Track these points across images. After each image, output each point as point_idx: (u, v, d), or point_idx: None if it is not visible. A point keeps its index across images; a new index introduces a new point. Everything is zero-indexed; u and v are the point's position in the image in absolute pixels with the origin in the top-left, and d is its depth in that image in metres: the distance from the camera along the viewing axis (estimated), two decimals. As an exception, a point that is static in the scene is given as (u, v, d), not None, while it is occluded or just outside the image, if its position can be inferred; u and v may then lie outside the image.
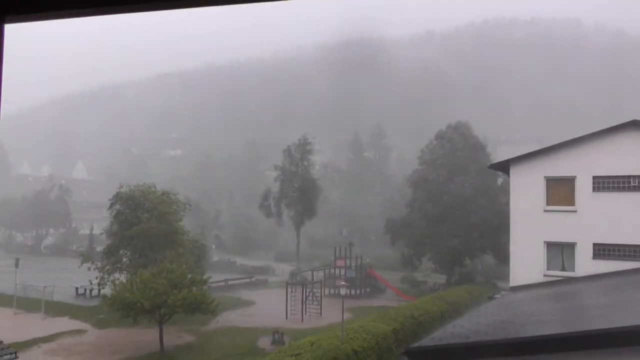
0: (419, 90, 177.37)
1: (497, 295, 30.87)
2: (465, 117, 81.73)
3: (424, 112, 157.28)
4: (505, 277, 30.88)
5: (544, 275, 28.55)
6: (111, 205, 51.21)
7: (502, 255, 54.82)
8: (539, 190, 29.20)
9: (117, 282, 38.03)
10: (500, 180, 61.99)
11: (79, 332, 41.69)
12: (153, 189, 52.03)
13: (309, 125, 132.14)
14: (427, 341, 17.03)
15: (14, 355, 22.82)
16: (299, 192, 77.50)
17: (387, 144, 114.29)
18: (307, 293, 49.07)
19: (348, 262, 60.61)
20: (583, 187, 28.27)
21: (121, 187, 51.79)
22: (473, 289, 52.31)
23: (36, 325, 42.99)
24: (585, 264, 27.71)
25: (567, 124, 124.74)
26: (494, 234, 57.90)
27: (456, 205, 59.39)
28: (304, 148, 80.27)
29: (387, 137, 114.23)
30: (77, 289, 55.72)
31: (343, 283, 34.38)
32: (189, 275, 37.16)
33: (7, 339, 27.00)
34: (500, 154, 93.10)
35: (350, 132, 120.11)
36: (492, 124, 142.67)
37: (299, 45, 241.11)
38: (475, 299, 47.82)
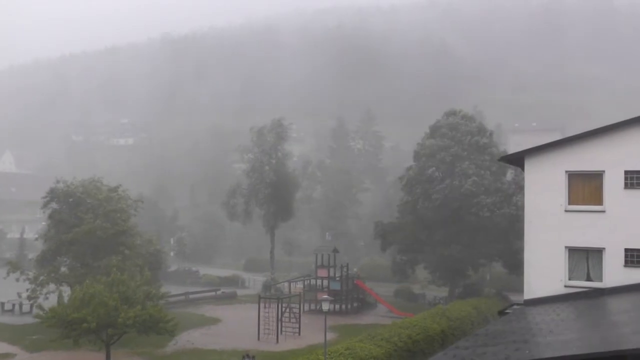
0: (419, 68, 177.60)
1: (508, 310, 30.98)
2: (471, 100, 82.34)
3: (424, 94, 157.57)
4: (518, 288, 31.02)
5: (565, 286, 28.70)
6: (45, 203, 50.66)
7: (514, 264, 55.11)
8: (560, 187, 29.32)
9: (59, 294, 37.64)
10: (511, 175, 62.23)
11: (6, 356, 41.17)
12: (98, 183, 51.65)
13: (284, 109, 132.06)
14: (427, 364, 17.09)
15: None
16: (271, 188, 77.04)
17: (379, 132, 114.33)
18: (284, 309, 49.01)
19: (332, 271, 60.62)
20: (613, 184, 28.41)
21: (58, 181, 51.30)
22: (480, 303, 52.55)
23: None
24: (615, 273, 27.86)
25: (595, 109, 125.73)
26: (504, 239, 58.19)
27: (458, 206, 59.52)
28: (276, 133, 79.51)
29: (378, 124, 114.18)
30: (3, 304, 55.21)
31: (326, 297, 34.36)
32: (144, 288, 36.95)
33: None
34: (513, 145, 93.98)
35: (333, 116, 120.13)
36: (503, 109, 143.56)
37: (272, 12, 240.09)
38: (483, 314, 48.15)
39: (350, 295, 60.70)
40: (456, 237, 60.52)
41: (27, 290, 46.52)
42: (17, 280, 47.62)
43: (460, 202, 59.29)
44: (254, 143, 79.70)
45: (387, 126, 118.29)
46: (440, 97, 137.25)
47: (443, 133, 62.42)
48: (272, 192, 76.79)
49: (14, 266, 48.90)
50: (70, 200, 49.63)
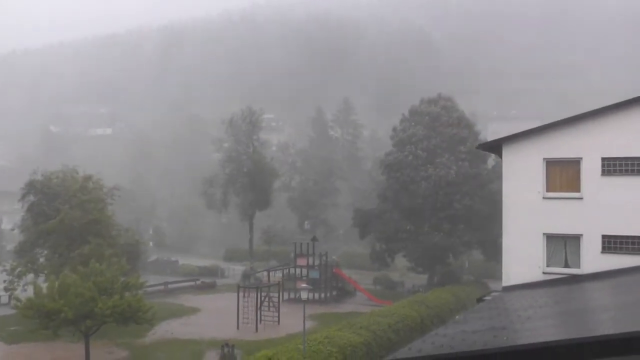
0: (397, 56, 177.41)
1: (486, 297, 31.00)
2: (450, 88, 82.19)
3: (403, 82, 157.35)
4: (497, 275, 31.13)
5: (544, 273, 28.74)
6: (23, 195, 50.33)
7: (493, 251, 55.34)
8: (537, 174, 29.30)
9: (35, 285, 37.25)
10: (491, 163, 62.42)
11: (-17, 347, 41.01)
12: (74, 174, 51.26)
13: (264, 99, 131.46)
14: (403, 353, 16.99)
15: None
16: (248, 177, 76.73)
17: (357, 121, 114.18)
18: (263, 298, 48.91)
19: (311, 260, 60.49)
20: (590, 170, 28.42)
21: (35, 173, 50.88)
22: (459, 290, 52.84)
23: None
24: (592, 259, 27.91)
25: (573, 97, 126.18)
26: (483, 226, 58.42)
27: (437, 193, 59.57)
28: (251, 121, 79.08)
29: (357, 113, 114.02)
30: (-21, 296, 54.71)
31: (304, 285, 34.30)
32: (122, 279, 36.66)
33: None
34: (491, 132, 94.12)
35: (313, 106, 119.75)
36: (482, 97, 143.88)
37: (249, 2, 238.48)
38: (462, 301, 48.38)
39: (329, 284, 60.64)
40: (436, 225, 60.68)
41: (5, 281, 46.13)
42: (-6, 272, 47.30)
43: (441, 191, 59.36)
44: (228, 133, 79.40)
45: (364, 115, 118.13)
46: (419, 85, 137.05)
47: (423, 121, 62.37)
48: (249, 181, 76.55)
49: (-11, 257, 48.68)
50: (48, 191, 49.17)
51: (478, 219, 59.16)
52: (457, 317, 27.93)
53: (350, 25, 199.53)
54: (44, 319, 33.92)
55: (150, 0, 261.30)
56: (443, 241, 60.14)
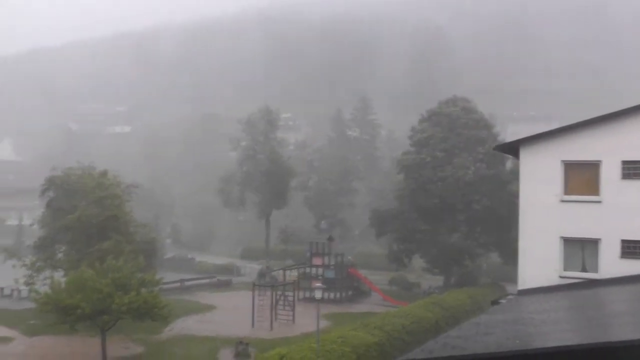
0: (415, 55, 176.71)
1: (502, 300, 30.88)
2: (469, 88, 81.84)
3: (421, 82, 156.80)
4: (514, 278, 30.93)
5: (560, 277, 28.56)
6: (43, 191, 50.74)
7: (511, 253, 54.93)
8: (556, 177, 29.12)
9: (52, 280, 37.57)
10: (509, 166, 62.08)
11: (5, 340, 41.52)
12: (92, 170, 51.64)
13: (281, 97, 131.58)
14: (415, 354, 16.98)
15: None
16: (265, 175, 76.78)
17: (375, 121, 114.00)
18: (278, 296, 49.04)
19: (327, 260, 60.47)
20: (609, 174, 28.19)
21: (54, 169, 51.29)
22: (475, 292, 52.60)
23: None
24: (610, 264, 27.68)
25: (594, 98, 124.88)
26: (501, 228, 58.10)
27: (455, 194, 59.36)
28: (268, 120, 79.10)
29: (375, 112, 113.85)
30: (2, 289, 55.30)
31: (319, 285, 34.28)
32: (138, 275, 36.86)
33: None
34: (511, 133, 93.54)
35: (331, 105, 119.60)
36: (501, 97, 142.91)
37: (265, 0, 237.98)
38: (478, 304, 48.15)
39: (345, 284, 60.59)
40: (454, 226, 60.48)
41: (24, 276, 46.56)
42: (14, 266, 47.73)
43: (459, 191, 59.15)
44: (246, 132, 79.54)
45: (382, 115, 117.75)
46: (437, 84, 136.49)
47: (441, 122, 62.16)
48: (266, 180, 76.65)
49: (10, 253, 49.20)
50: (66, 187, 49.53)
51: (496, 221, 58.88)
52: (471, 319, 27.85)
53: (369, 24, 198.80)
54: (61, 314, 34.24)
55: (165, 1, 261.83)
56: (460, 242, 59.91)
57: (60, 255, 49.11)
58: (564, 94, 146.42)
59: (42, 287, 38.42)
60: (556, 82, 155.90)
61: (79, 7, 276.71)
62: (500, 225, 58.14)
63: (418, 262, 68.08)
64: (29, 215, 75.98)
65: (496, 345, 16.32)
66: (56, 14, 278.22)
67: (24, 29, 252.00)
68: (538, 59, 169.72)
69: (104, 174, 51.57)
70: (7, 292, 55.01)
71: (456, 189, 59.08)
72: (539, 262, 29.07)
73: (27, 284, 45.47)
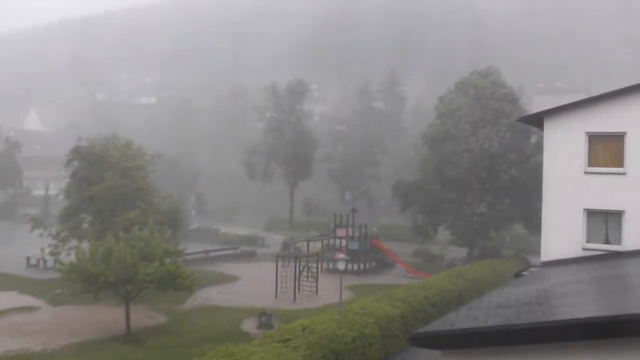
0: (441, 25, 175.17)
1: (524, 272, 30.75)
2: (496, 60, 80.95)
3: (448, 53, 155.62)
4: (538, 250, 30.76)
5: (583, 249, 28.36)
6: (68, 161, 51.09)
7: (535, 225, 54.71)
8: (579, 149, 28.83)
9: (76, 249, 37.89)
10: (534, 138, 61.53)
11: (30, 309, 41.98)
12: (117, 141, 51.93)
13: (306, 68, 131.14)
14: (437, 325, 16.91)
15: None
16: (291, 147, 76.75)
17: (402, 92, 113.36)
18: (301, 268, 49.17)
19: (350, 231, 60.50)
20: (634, 146, 27.84)
21: (80, 139, 51.61)
22: (498, 265, 52.49)
23: (-22, 301, 43.27)
24: (634, 236, 27.40)
25: (629, 71, 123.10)
26: (526, 200, 57.76)
27: (480, 165, 59.01)
28: (295, 92, 78.87)
29: (402, 84, 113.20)
30: (28, 259, 55.96)
31: (342, 256, 34.32)
32: (163, 245, 37.06)
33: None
34: (537, 105, 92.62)
35: (357, 76, 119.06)
36: (529, 69, 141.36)
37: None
38: (501, 275, 48.05)
39: (368, 255, 60.64)
40: (480, 198, 60.20)
41: (50, 245, 46.96)
42: (41, 235, 48.15)
43: (483, 162, 58.82)
44: (270, 103, 79.38)
45: (409, 86, 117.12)
46: (463, 55, 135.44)
47: (468, 94, 61.71)
48: (291, 151, 76.61)
49: (37, 222, 49.57)
50: (91, 157, 49.83)
51: (521, 192, 58.53)
52: (493, 291, 27.76)
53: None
54: (85, 283, 34.58)
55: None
56: (486, 214, 59.66)
57: (85, 225, 49.54)
58: (597, 67, 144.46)
59: (67, 257, 38.80)
60: (591, 55, 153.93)
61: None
62: (525, 197, 57.79)
63: (443, 234, 67.95)
64: (55, 185, 76.65)
65: (517, 317, 16.22)
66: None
67: (51, 1, 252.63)
68: (576, 33, 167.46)
69: (128, 144, 51.84)
70: (33, 261, 55.60)
71: (481, 160, 58.75)
72: (562, 234, 28.88)
73: (52, 253, 45.90)
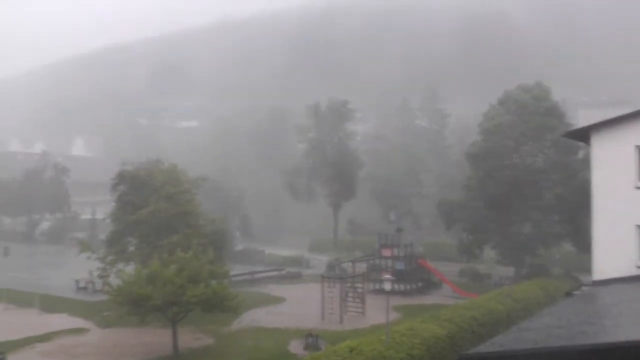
0: (479, 40, 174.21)
1: (576, 291, 30.23)
2: (540, 73, 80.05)
3: (489, 68, 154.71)
4: (588, 268, 30.24)
5: (637, 267, 27.81)
6: (114, 185, 51.84)
7: (584, 243, 53.78)
8: (629, 163, 28.36)
9: (121, 272, 38.37)
10: (581, 153, 60.62)
11: (80, 331, 42.63)
12: (161, 165, 52.54)
13: (348, 87, 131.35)
14: (486, 347, 16.71)
15: (1, 356, 23.19)
16: (334, 167, 76.75)
17: (444, 110, 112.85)
18: (347, 288, 49.03)
19: (396, 251, 60.19)
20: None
21: (124, 164, 52.34)
22: (548, 284, 51.60)
23: (30, 323, 44.12)
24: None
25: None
26: (575, 217, 56.85)
27: (524, 182, 58.32)
28: (338, 112, 78.99)
29: (443, 101, 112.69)
30: (77, 281, 56.75)
31: (387, 276, 34.06)
32: (208, 267, 37.30)
33: (-4, 338, 27.50)
34: (583, 119, 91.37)
35: (399, 94, 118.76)
36: (574, 82, 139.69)
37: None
38: (551, 295, 47.27)
39: (415, 275, 60.21)
40: (526, 216, 59.41)
41: (98, 269, 47.64)
42: (89, 258, 48.90)
43: (527, 179, 58.14)
44: (313, 122, 79.62)
45: (448, 102, 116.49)
46: (504, 70, 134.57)
47: (510, 108, 61.15)
48: (334, 172, 76.65)
49: (84, 246, 50.35)
50: (136, 182, 50.49)
51: (569, 210, 57.61)
52: (543, 311, 27.32)
53: (433, 10, 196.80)
54: (133, 305, 34.90)
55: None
56: (532, 232, 58.81)
57: (131, 248, 50.14)
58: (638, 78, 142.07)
59: (114, 280, 39.29)
60: (631, 65, 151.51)
61: (150, 3, 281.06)
62: (573, 214, 56.88)
63: (489, 252, 67.20)
64: (101, 210, 77.81)
65: (569, 338, 15.94)
66: (126, 12, 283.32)
67: (97, 27, 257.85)
68: (613, 42, 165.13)
69: (173, 168, 52.39)
70: (82, 284, 56.40)
71: (525, 177, 58.09)
72: (614, 251, 28.38)
73: (100, 276, 46.54)
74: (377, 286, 54.84)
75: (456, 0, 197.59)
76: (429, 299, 55.36)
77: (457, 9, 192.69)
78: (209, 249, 40.40)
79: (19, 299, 50.79)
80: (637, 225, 28.03)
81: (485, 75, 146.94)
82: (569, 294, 29.90)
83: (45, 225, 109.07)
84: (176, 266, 35.84)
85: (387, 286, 32.99)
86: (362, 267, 61.37)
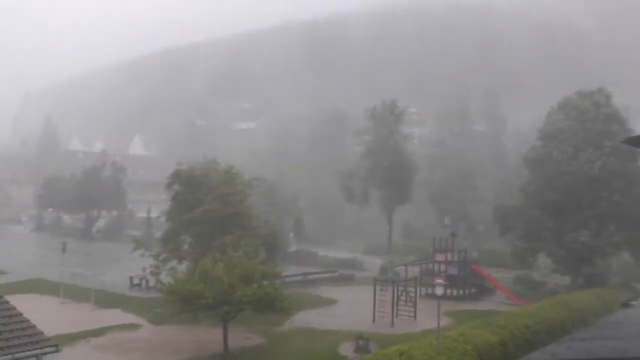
0: (541, 45, 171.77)
1: (634, 302, 29.59)
2: (602, 80, 78.48)
3: (549, 73, 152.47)
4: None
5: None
6: (169, 185, 52.52)
7: (644, 253, 52.75)
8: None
9: (175, 270, 38.82)
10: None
11: (133, 327, 43.30)
12: (216, 165, 52.99)
13: (406, 91, 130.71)
14: (538, 355, 16.42)
15: (55, 349, 23.63)
16: (389, 171, 76.45)
17: (503, 115, 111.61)
18: (400, 292, 48.80)
19: (450, 256, 59.70)
20: None
21: (181, 164, 52.96)
22: (605, 294, 50.55)
23: (85, 318, 45.14)
24: None
25: None
26: (634, 227, 55.65)
27: (581, 190, 57.23)
28: (394, 115, 78.64)
29: (501, 106, 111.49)
30: (131, 278, 57.66)
31: (440, 281, 33.79)
32: (261, 268, 37.49)
33: (52, 331, 28.05)
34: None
35: (458, 98, 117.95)
36: (635, 88, 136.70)
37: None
38: (608, 305, 46.25)
39: (468, 281, 59.61)
40: (583, 224, 58.29)
41: (151, 266, 48.39)
42: (142, 256, 49.72)
43: (585, 187, 57.05)
44: (369, 125, 79.46)
45: (507, 108, 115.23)
46: (564, 76, 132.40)
47: (570, 114, 60.15)
48: (389, 176, 76.34)
49: (138, 243, 51.27)
50: (191, 182, 51.04)
51: (628, 218, 56.38)
52: (598, 321, 26.77)
53: (492, 15, 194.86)
54: (184, 303, 35.26)
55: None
56: (589, 241, 57.66)
57: (185, 247, 50.74)
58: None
59: (167, 278, 39.80)
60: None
61: (210, 6, 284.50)
62: (633, 223, 55.67)
63: (544, 260, 66.16)
64: (158, 208, 79.01)
65: (624, 351, 15.56)
66: (185, 15, 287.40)
67: (156, 30, 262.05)
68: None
69: (229, 169, 52.76)
70: (136, 281, 57.27)
71: (582, 185, 57.01)
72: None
73: (152, 274, 47.22)
74: (430, 291, 54.46)
75: (520, 6, 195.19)
76: (482, 305, 54.73)
77: (521, 15, 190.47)
78: (261, 249, 40.59)
79: (75, 294, 51.77)
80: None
81: (547, 81, 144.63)
82: (626, 305, 29.29)
83: (102, 223, 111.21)
84: (224, 265, 36.09)
85: (439, 291, 32.76)
86: (415, 271, 61.03)
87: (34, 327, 23.97)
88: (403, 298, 49.15)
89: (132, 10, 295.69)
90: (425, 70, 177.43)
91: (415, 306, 48.07)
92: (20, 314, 24.18)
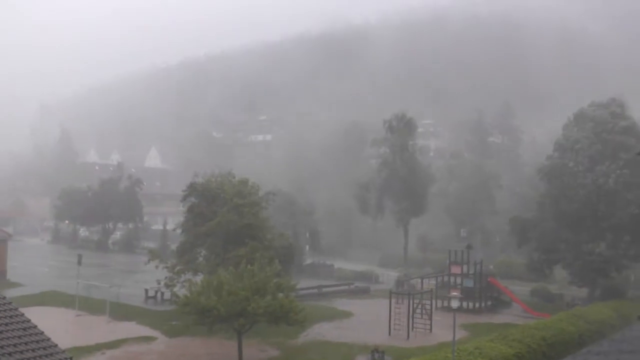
0: (558, 56, 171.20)
1: (651, 315, 29.31)
2: (618, 91, 78.10)
3: (566, 85, 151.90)
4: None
5: None
6: (184, 197, 52.66)
7: (662, 265, 52.29)
8: None
9: (189, 282, 38.89)
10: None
11: (148, 339, 43.32)
12: (231, 177, 53.09)
13: (424, 103, 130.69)
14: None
15: (69, 360, 23.62)
16: (403, 182, 76.26)
17: (519, 127, 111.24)
18: (415, 305, 48.62)
19: (465, 268, 59.43)
20: None
21: (196, 175, 53.12)
22: (622, 306, 50.15)
23: (100, 329, 45.19)
24: None
25: None
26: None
27: (596, 202, 56.88)
28: (408, 127, 78.51)
29: (517, 117, 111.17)
30: (146, 290, 57.76)
31: (455, 294, 33.63)
32: (275, 280, 37.47)
33: (67, 343, 28.18)
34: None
35: (475, 110, 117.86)
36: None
37: (407, 6, 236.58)
38: (625, 318, 45.89)
39: (484, 293, 59.31)
40: (599, 236, 57.90)
41: (165, 278, 48.47)
42: (157, 267, 49.89)
43: (600, 199, 56.72)
44: (385, 138, 79.43)
45: (523, 119, 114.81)
46: (580, 86, 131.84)
47: (585, 126, 59.85)
48: (404, 187, 76.17)
49: (153, 255, 51.39)
50: (207, 194, 51.16)
51: (642, 229, 56.00)
52: (615, 335, 26.53)
53: (510, 28, 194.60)
54: (199, 315, 35.30)
55: (310, 9, 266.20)
56: (605, 253, 57.23)
57: (200, 259, 50.82)
58: None
59: (181, 290, 39.84)
60: None
61: (226, 19, 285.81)
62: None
63: (561, 272, 65.75)
64: (173, 220, 79.36)
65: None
66: (201, 27, 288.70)
67: (174, 41, 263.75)
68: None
69: (244, 181, 52.84)
70: (151, 293, 57.38)
71: (597, 197, 56.68)
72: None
73: (167, 286, 47.31)
74: (446, 303, 54.19)
75: (538, 19, 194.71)
76: (498, 318, 54.46)
77: (539, 27, 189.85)
78: (275, 261, 40.59)
79: (91, 306, 51.95)
80: None
81: (567, 91, 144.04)
82: (643, 318, 29.01)
83: (117, 235, 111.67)
84: (236, 277, 36.12)
85: (454, 303, 32.59)
86: (431, 283, 60.79)
87: (49, 339, 24.01)
88: (418, 310, 48.94)
89: (149, 23, 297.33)
90: (442, 82, 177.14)
91: (430, 319, 47.87)
92: (35, 326, 24.22)
